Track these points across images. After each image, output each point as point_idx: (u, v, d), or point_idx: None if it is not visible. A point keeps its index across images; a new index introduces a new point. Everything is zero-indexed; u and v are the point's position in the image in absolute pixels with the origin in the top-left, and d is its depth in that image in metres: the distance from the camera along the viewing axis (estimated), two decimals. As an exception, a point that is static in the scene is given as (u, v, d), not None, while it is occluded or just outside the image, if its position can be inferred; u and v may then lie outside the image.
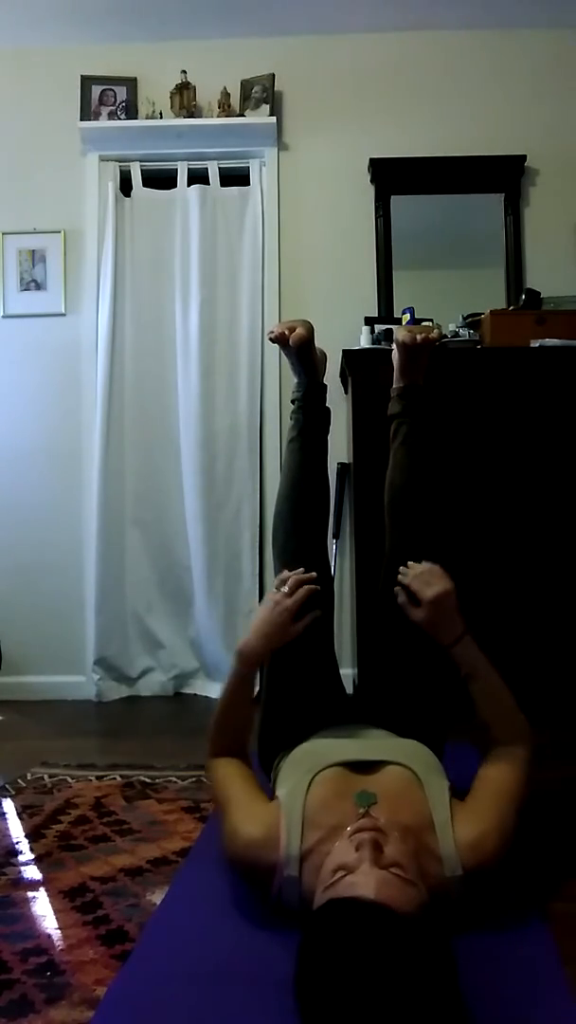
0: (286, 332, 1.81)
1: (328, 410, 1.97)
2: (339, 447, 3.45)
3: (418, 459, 1.87)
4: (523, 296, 3.22)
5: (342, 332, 3.35)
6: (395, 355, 1.97)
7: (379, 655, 1.79)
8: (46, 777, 2.26)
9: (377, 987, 0.87)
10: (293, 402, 1.99)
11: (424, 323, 2.08)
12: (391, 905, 1.00)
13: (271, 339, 1.85)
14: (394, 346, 1.97)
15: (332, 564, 3.39)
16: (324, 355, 2.03)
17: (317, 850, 1.25)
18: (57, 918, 1.41)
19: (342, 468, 3.40)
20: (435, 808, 1.30)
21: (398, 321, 3.28)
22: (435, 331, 1.95)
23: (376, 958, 0.89)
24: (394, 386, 1.99)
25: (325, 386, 1.98)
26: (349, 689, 3.18)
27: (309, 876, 1.24)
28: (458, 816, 1.31)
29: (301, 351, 1.86)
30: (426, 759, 1.45)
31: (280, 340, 1.82)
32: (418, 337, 1.89)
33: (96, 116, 3.54)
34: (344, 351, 3.12)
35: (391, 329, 3.25)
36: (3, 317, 3.56)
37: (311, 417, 1.93)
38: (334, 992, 0.89)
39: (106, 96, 3.55)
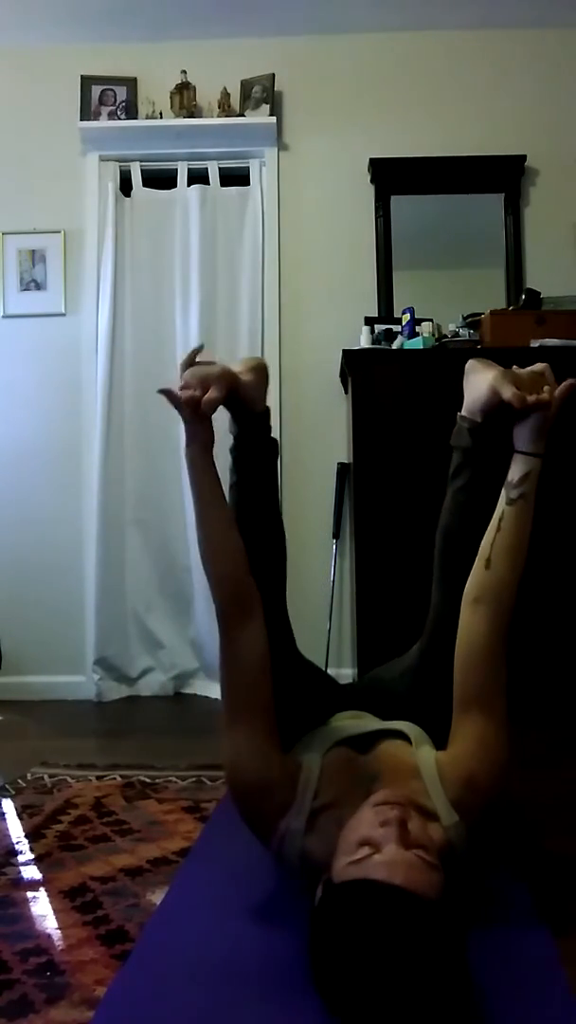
0: (196, 395, 1.36)
1: (274, 442, 1.61)
2: (339, 447, 3.45)
3: (479, 508, 1.55)
4: (523, 296, 3.22)
5: (342, 332, 3.35)
6: (484, 392, 1.50)
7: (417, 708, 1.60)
8: (46, 777, 2.26)
9: (397, 972, 0.92)
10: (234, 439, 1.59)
11: (517, 368, 1.50)
12: (417, 891, 1.02)
13: (182, 399, 1.37)
14: (483, 382, 1.50)
15: (332, 567, 3.41)
16: (258, 368, 1.58)
17: (326, 813, 1.29)
18: (57, 918, 1.40)
19: (342, 468, 3.40)
20: (422, 768, 1.33)
21: (398, 321, 3.28)
22: (545, 392, 1.43)
23: (402, 946, 0.93)
24: (467, 415, 1.57)
25: (267, 411, 1.60)
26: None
27: (313, 836, 1.28)
28: (443, 766, 1.33)
29: (224, 402, 1.44)
30: (418, 730, 1.47)
31: (190, 405, 1.37)
32: (530, 399, 1.42)
33: (96, 116, 3.54)
34: (344, 351, 3.12)
35: (390, 330, 3.26)
36: (3, 317, 3.56)
37: (249, 462, 1.56)
38: (356, 975, 0.94)
39: (106, 96, 3.55)
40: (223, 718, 1.38)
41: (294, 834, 1.30)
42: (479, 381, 1.53)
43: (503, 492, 1.44)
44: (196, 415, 1.38)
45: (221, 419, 1.49)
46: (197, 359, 1.43)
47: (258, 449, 1.60)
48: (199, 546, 1.44)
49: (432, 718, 1.51)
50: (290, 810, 1.31)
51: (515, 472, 1.44)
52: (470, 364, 1.59)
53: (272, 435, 1.63)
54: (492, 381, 1.46)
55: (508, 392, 1.42)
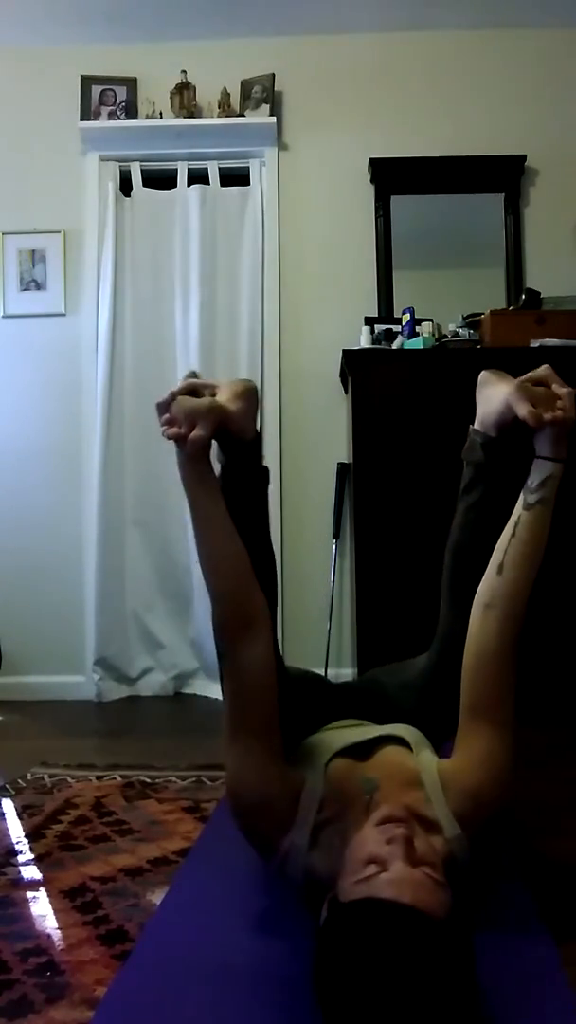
0: (181, 432, 1.33)
1: (265, 470, 1.57)
2: (339, 447, 3.46)
3: (491, 525, 1.49)
4: (523, 296, 3.22)
5: (342, 332, 3.36)
6: (498, 407, 1.46)
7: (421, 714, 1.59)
8: (46, 777, 2.26)
9: (407, 990, 0.90)
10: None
11: (544, 380, 1.42)
12: (426, 910, 1.01)
13: (165, 436, 1.35)
14: (497, 396, 1.47)
15: (332, 567, 3.41)
16: (247, 393, 1.51)
17: (328, 827, 1.28)
18: (57, 918, 1.40)
19: (342, 468, 3.40)
20: (425, 776, 1.32)
21: (398, 321, 3.28)
22: (560, 409, 1.37)
23: (412, 966, 0.92)
24: (480, 430, 1.54)
25: (258, 439, 1.54)
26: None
27: (318, 851, 1.27)
28: (447, 776, 1.32)
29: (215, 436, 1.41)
30: (418, 735, 1.46)
31: (176, 440, 1.34)
32: (546, 417, 1.36)
33: (96, 116, 3.54)
34: (344, 351, 3.12)
35: (390, 330, 3.26)
36: (3, 317, 3.56)
37: (238, 492, 1.48)
38: (364, 993, 0.92)
39: (106, 96, 3.55)
40: (224, 734, 1.35)
41: (297, 850, 1.28)
42: (493, 395, 1.48)
43: (521, 496, 1.40)
44: (182, 448, 1.35)
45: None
46: (191, 381, 1.39)
47: (248, 479, 1.52)
48: (200, 561, 1.39)
49: (436, 730, 1.50)
50: (293, 827, 1.29)
51: (535, 477, 1.39)
52: (483, 376, 1.55)
53: (263, 463, 1.56)
54: (507, 397, 1.40)
55: (523, 410, 1.36)
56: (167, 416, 1.34)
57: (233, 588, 1.36)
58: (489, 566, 1.41)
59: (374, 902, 1.03)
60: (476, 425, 1.55)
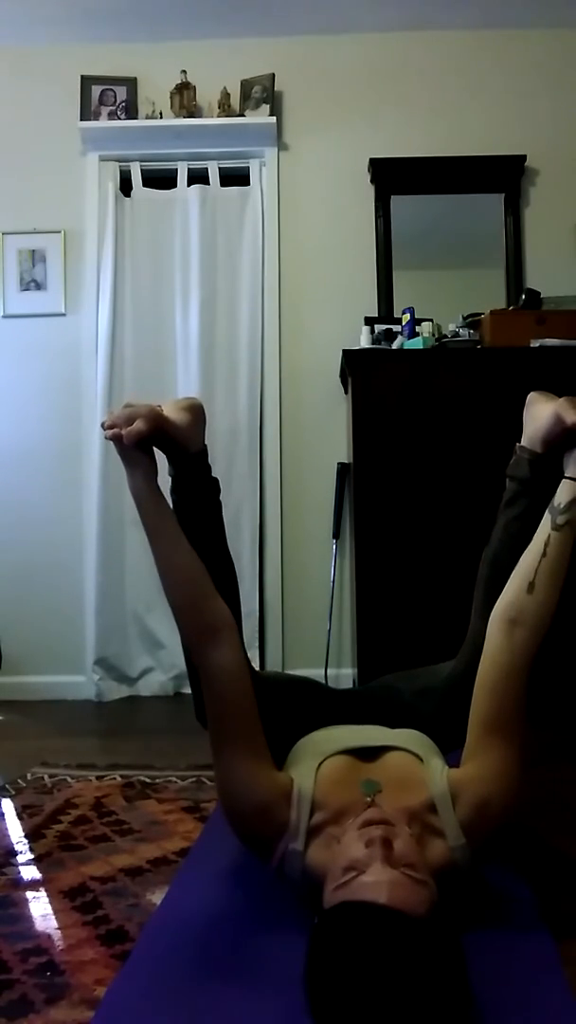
0: (119, 432, 1.36)
1: (214, 481, 1.62)
2: (339, 447, 3.46)
3: (528, 539, 1.49)
4: (523, 296, 3.22)
5: (342, 332, 3.36)
6: (548, 420, 1.50)
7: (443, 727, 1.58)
8: (46, 777, 2.26)
9: (388, 995, 0.89)
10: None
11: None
12: (403, 909, 1.00)
13: (106, 437, 1.39)
14: (545, 411, 1.52)
15: (332, 567, 3.41)
16: (191, 408, 1.59)
17: (323, 831, 1.27)
18: (57, 918, 1.40)
19: (342, 468, 3.40)
20: (433, 784, 1.32)
21: (398, 321, 3.28)
22: None
23: (389, 966, 0.91)
24: (527, 446, 1.59)
25: (203, 451, 1.60)
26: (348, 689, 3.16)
27: (314, 853, 1.26)
28: (457, 786, 1.31)
29: (154, 440, 1.44)
30: (427, 743, 1.46)
31: (115, 439, 1.37)
32: None
33: (96, 116, 3.54)
34: (344, 351, 3.12)
35: (390, 330, 3.26)
36: (3, 317, 3.56)
37: (188, 503, 1.56)
38: (346, 1000, 0.91)
39: (106, 96, 3.55)
40: (211, 743, 1.36)
41: (293, 853, 1.28)
42: (541, 411, 1.53)
43: (548, 516, 1.43)
44: (124, 448, 1.38)
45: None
46: (129, 403, 1.45)
47: (196, 490, 1.59)
48: (159, 575, 1.41)
49: (451, 737, 1.49)
50: (287, 830, 1.29)
51: (563, 497, 1.42)
52: (531, 396, 1.62)
53: (212, 475, 1.62)
54: (556, 408, 1.46)
55: (571, 416, 1.42)
56: (108, 423, 1.38)
57: (190, 601, 1.39)
58: (515, 583, 1.41)
59: (350, 905, 1.03)
60: (523, 443, 1.60)
